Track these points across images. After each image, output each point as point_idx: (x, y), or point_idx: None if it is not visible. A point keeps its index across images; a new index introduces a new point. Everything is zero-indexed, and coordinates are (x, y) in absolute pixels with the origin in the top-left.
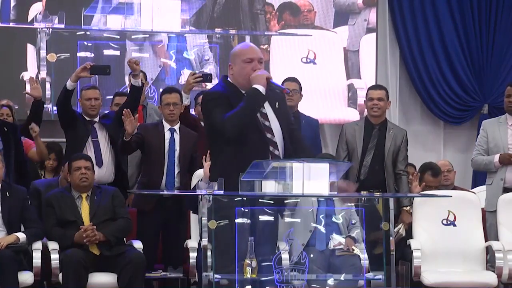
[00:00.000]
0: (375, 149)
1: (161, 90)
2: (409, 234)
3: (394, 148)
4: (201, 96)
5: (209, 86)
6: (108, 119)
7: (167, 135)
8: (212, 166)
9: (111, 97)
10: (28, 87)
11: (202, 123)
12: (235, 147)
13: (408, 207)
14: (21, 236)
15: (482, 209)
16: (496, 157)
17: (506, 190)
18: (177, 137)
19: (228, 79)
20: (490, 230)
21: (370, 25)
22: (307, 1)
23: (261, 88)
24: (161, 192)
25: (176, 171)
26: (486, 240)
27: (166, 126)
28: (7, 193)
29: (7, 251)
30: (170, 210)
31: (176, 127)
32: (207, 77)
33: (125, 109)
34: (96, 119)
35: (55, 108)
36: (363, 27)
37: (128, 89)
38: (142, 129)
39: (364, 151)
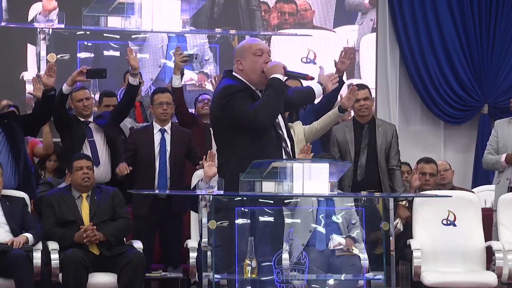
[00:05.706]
0: (368, 148)
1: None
2: (407, 228)
3: (386, 145)
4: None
5: (209, 86)
6: (103, 119)
7: (157, 136)
8: (225, 160)
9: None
10: (29, 87)
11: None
12: (255, 140)
13: (404, 202)
14: (29, 236)
15: (483, 208)
16: (503, 157)
17: (511, 189)
18: (167, 137)
19: (235, 74)
20: (495, 230)
21: (375, 25)
22: (304, 1)
23: (281, 77)
24: (159, 192)
25: (168, 171)
26: (487, 240)
27: (156, 127)
28: (7, 202)
29: (21, 251)
30: (165, 211)
31: (167, 127)
32: (193, 57)
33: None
34: (91, 119)
35: None
36: (368, 27)
37: (125, 88)
38: (132, 136)
39: (357, 151)
